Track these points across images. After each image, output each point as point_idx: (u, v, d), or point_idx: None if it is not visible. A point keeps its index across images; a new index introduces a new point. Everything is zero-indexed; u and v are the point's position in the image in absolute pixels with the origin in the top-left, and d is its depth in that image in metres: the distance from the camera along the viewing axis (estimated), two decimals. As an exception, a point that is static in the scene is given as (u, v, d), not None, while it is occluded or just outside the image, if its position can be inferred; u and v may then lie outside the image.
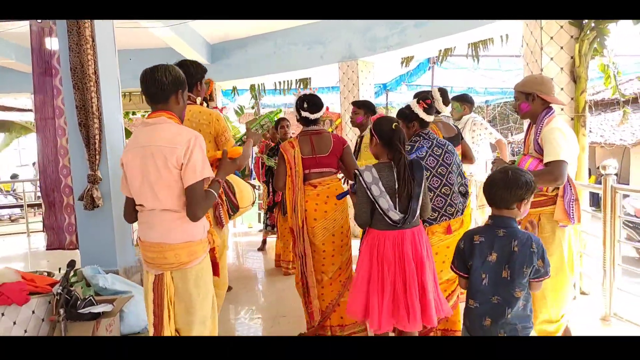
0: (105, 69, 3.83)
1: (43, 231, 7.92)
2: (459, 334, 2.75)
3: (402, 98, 12.61)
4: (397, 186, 2.28)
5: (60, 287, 2.79)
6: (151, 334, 2.01)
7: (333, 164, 2.94)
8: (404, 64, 6.38)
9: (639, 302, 3.20)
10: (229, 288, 3.70)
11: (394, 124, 2.34)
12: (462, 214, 2.74)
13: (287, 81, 7.55)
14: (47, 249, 4.33)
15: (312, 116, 2.94)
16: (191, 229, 1.98)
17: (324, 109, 2.99)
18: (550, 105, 2.60)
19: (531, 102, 2.60)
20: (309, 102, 2.93)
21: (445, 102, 3.53)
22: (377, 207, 2.27)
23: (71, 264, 2.94)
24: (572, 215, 2.49)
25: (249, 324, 3.60)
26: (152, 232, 1.97)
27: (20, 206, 11.03)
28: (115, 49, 4.06)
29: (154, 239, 1.96)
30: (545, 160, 2.47)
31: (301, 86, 7.42)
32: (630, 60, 8.32)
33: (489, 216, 1.97)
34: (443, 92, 3.57)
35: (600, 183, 3.33)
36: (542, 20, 3.84)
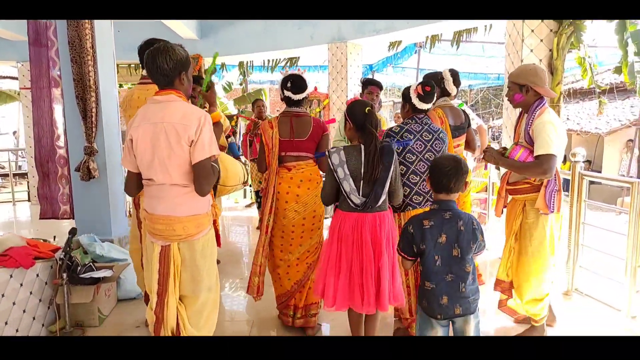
0: (101, 42, 3.90)
1: (28, 200, 8.00)
2: None
3: (388, 79, 12.81)
4: (362, 170, 2.28)
5: (63, 253, 2.94)
6: (153, 302, 2.08)
7: (310, 149, 2.87)
8: (392, 47, 6.52)
9: (598, 279, 3.51)
10: (217, 261, 3.85)
11: (367, 107, 2.34)
12: None
13: (276, 60, 7.63)
14: (40, 218, 4.43)
15: (294, 97, 2.85)
16: (198, 203, 2.06)
17: (308, 90, 2.91)
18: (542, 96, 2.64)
19: (525, 93, 2.61)
20: (293, 83, 2.85)
21: (456, 84, 3.41)
22: (341, 188, 2.31)
23: (72, 232, 3.08)
24: (552, 205, 2.60)
25: (233, 296, 3.73)
26: (160, 205, 2.03)
27: (5, 175, 10.97)
28: (112, 22, 4.13)
29: (163, 212, 2.02)
30: (537, 153, 2.52)
31: (289, 64, 7.51)
32: (607, 52, 8.64)
33: (434, 201, 2.08)
34: (454, 73, 3.43)
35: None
36: (525, 13, 4.04)
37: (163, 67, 1.96)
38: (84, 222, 3.99)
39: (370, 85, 3.73)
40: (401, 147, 2.63)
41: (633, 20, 3.63)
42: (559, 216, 2.76)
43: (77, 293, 2.98)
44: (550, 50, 4.10)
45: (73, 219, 4.21)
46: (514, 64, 4.27)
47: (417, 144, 2.64)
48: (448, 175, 1.98)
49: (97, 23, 3.82)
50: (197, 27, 7.39)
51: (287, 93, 2.86)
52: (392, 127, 2.74)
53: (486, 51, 10.00)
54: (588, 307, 3.34)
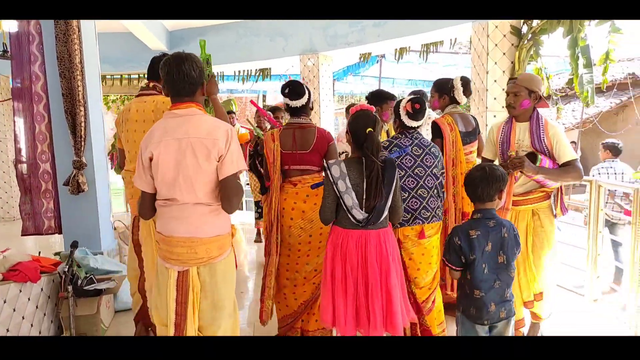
0: (87, 56, 3.94)
1: None
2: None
3: (348, 87, 13.21)
4: (365, 184, 2.16)
5: (67, 266, 2.98)
6: (171, 334, 1.92)
7: (315, 162, 2.73)
8: (362, 60, 6.83)
9: (564, 268, 3.85)
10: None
11: (369, 129, 2.17)
12: (439, 219, 2.61)
13: (248, 70, 7.77)
14: (22, 235, 4.36)
15: (292, 103, 2.75)
16: (221, 222, 1.95)
17: (306, 97, 2.77)
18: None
19: (532, 100, 2.58)
20: (290, 89, 2.76)
21: (467, 93, 3.26)
22: (342, 203, 2.17)
23: (74, 245, 3.11)
24: (565, 207, 2.68)
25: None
26: (183, 226, 1.88)
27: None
28: (96, 36, 4.18)
29: (185, 234, 1.88)
30: (566, 159, 2.50)
31: (261, 75, 7.66)
32: (551, 60, 9.40)
33: (475, 210, 2.10)
34: (465, 81, 3.25)
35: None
36: (489, 29, 4.43)
37: (191, 74, 1.87)
38: (72, 236, 3.95)
39: (388, 100, 3.45)
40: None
41: (583, 36, 4.08)
42: None
43: (82, 305, 3.03)
44: (512, 62, 4.50)
45: (60, 233, 4.18)
46: (479, 75, 4.65)
47: (406, 159, 2.53)
48: (477, 184, 2.03)
49: (84, 37, 3.86)
50: (167, 38, 7.41)
51: (286, 100, 2.78)
52: (382, 142, 2.58)
53: (443, 60, 10.56)
54: (556, 294, 3.68)
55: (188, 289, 1.90)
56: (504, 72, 4.50)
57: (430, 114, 3.71)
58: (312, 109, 2.87)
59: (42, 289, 2.91)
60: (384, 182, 2.16)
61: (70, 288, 2.95)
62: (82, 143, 3.84)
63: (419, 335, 2.59)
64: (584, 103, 4.50)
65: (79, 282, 3.09)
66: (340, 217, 2.25)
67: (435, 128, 3.10)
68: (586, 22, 3.88)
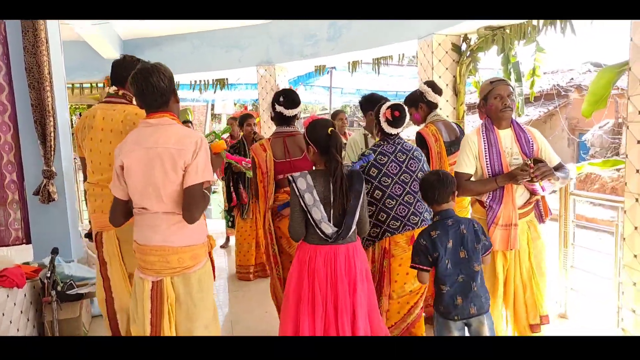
0: (54, 66, 4.01)
1: None
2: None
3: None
4: (332, 197, 2.10)
5: (49, 272, 3.08)
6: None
7: (308, 168, 2.60)
8: (316, 71, 7.20)
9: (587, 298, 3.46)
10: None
11: (330, 129, 2.15)
12: (427, 222, 2.56)
13: (205, 80, 7.92)
14: (-15, 246, 4.30)
15: (287, 112, 2.71)
16: (194, 232, 1.94)
17: (301, 107, 2.79)
18: None
19: None
20: (286, 97, 2.71)
21: (437, 92, 3.22)
22: (310, 217, 2.11)
23: (55, 251, 3.21)
24: (549, 209, 2.56)
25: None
26: (155, 235, 1.90)
27: None
28: (62, 46, 4.26)
29: (157, 242, 1.89)
30: (557, 162, 2.46)
31: (219, 85, 7.83)
32: (487, 72, 10.29)
33: (435, 213, 2.22)
34: (429, 83, 3.27)
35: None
36: (433, 45, 4.93)
37: (160, 85, 1.87)
38: (42, 245, 3.99)
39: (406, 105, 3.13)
40: (377, 171, 2.52)
41: (514, 54, 4.66)
42: None
43: (65, 309, 3.13)
44: (454, 76, 5.03)
45: (27, 243, 4.18)
46: (426, 87, 5.15)
47: (391, 166, 2.52)
48: (433, 188, 2.15)
49: (51, 47, 3.94)
50: (120, 47, 7.42)
51: (279, 108, 2.72)
52: (365, 152, 2.64)
53: (388, 70, 11.21)
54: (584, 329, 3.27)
55: (163, 299, 1.90)
56: (447, 85, 5.01)
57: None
58: (298, 118, 2.89)
59: (25, 295, 2.99)
60: (352, 192, 2.12)
61: (53, 293, 3.06)
62: (52, 152, 3.91)
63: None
64: (515, 113, 5.10)
65: (59, 287, 3.20)
66: (307, 232, 2.18)
67: (420, 139, 3.11)
68: (516, 41, 4.46)
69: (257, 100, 8.30)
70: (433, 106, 3.22)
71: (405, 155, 2.56)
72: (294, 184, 2.12)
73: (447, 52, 4.98)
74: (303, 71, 9.62)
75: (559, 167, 2.42)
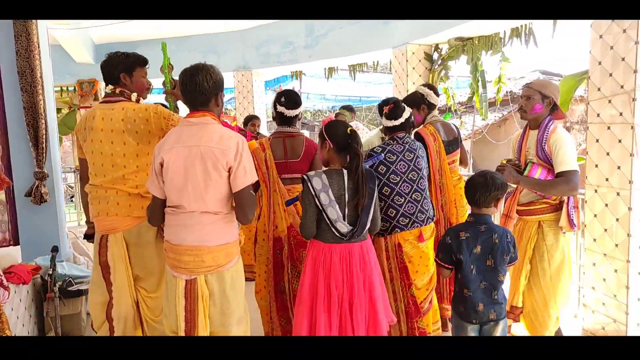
0: (44, 70, 4.07)
1: None
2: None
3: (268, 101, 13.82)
4: (346, 196, 2.13)
5: (51, 269, 3.17)
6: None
7: (305, 170, 2.69)
8: (293, 76, 7.43)
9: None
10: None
11: (349, 128, 2.20)
12: (432, 220, 2.68)
13: (181, 85, 7.96)
14: (-31, 249, 4.26)
15: (288, 112, 2.72)
16: (228, 231, 1.97)
17: (302, 107, 2.81)
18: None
19: (546, 106, 2.53)
20: (287, 97, 2.73)
21: (436, 93, 3.32)
22: (325, 217, 2.12)
23: (54, 249, 3.30)
24: (574, 221, 2.52)
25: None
26: (190, 235, 1.91)
27: None
28: (49, 49, 4.31)
29: (192, 242, 1.91)
30: (560, 169, 2.43)
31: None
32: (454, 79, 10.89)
33: (470, 214, 2.20)
34: (428, 85, 3.37)
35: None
36: (407, 54, 5.28)
37: (203, 84, 1.92)
38: (32, 246, 4.01)
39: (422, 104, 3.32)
40: (385, 169, 2.58)
41: (481, 63, 5.08)
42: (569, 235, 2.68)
43: (67, 305, 3.22)
44: (427, 83, 5.40)
45: (16, 245, 4.18)
46: (400, 93, 5.49)
47: (400, 164, 2.58)
48: (476, 189, 2.11)
49: (41, 51, 3.99)
50: (93, 51, 7.40)
51: (281, 108, 2.73)
52: (374, 148, 2.67)
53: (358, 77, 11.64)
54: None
55: (197, 297, 1.93)
56: (420, 91, 5.37)
57: None
58: (300, 119, 2.92)
59: (27, 291, 3.06)
60: (368, 193, 2.15)
61: (56, 289, 3.14)
62: (44, 154, 3.95)
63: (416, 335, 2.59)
64: (482, 116, 5.54)
65: (59, 284, 3.27)
66: (321, 231, 2.19)
67: (419, 139, 3.14)
68: (483, 51, 4.87)
69: (233, 103, 8.41)
70: (432, 107, 3.32)
71: (412, 154, 2.64)
72: (309, 183, 2.13)
73: (420, 61, 5.34)
74: (279, 76, 9.88)
75: (560, 175, 2.45)
